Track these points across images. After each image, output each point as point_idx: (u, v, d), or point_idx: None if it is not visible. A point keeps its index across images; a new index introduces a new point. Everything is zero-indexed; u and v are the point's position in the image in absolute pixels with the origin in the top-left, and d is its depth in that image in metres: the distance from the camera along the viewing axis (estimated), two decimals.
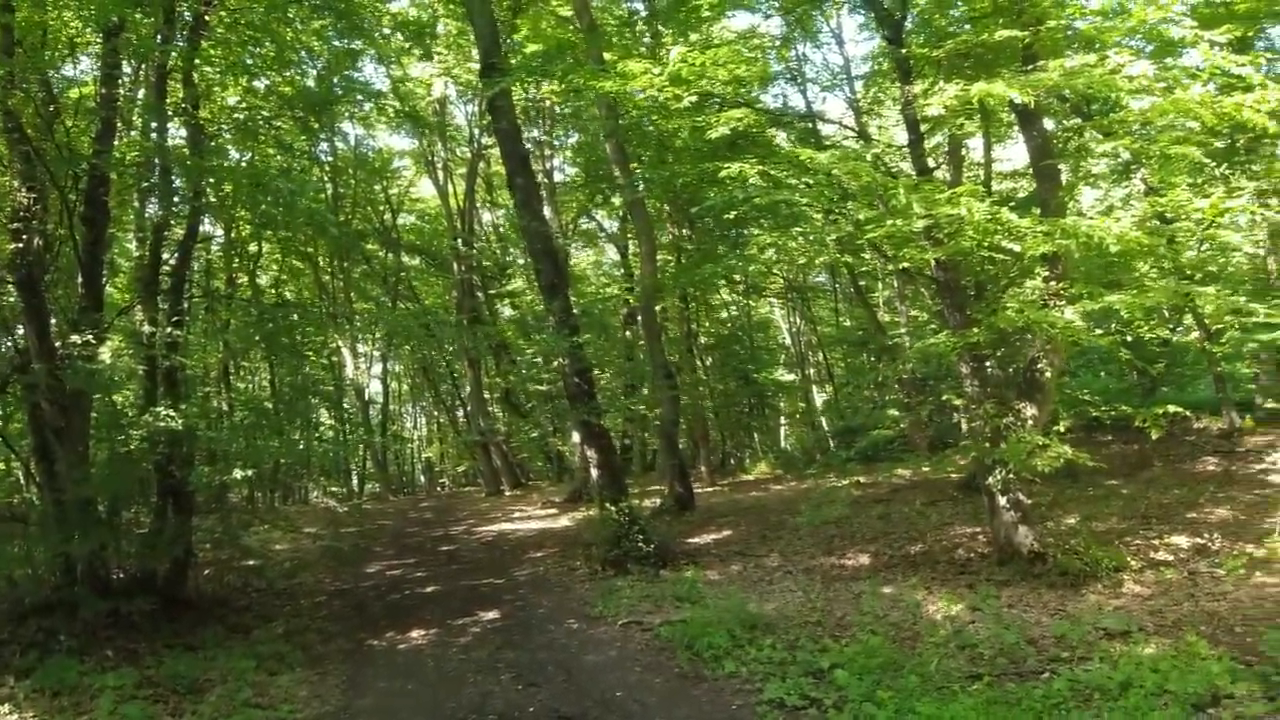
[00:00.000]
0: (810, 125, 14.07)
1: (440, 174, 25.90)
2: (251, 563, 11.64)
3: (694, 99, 10.88)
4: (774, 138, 14.13)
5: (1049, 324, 6.99)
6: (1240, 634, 6.39)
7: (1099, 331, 7.73)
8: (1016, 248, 7.17)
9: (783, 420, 29.73)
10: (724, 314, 27.33)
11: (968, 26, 10.02)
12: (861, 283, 18.46)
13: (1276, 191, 15.23)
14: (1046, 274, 8.02)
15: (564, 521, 16.91)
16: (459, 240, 25.22)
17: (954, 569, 9.50)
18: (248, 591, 11.30)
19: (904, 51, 10.15)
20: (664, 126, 12.70)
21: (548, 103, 22.06)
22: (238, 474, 9.32)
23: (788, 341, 28.48)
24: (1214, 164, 12.89)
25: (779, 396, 28.15)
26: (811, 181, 8.20)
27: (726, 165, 8.58)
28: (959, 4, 10.92)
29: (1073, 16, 8.93)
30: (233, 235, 18.24)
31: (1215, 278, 15.56)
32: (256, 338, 13.17)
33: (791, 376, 27.53)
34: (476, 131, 25.17)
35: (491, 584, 11.65)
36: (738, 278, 21.91)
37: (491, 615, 9.63)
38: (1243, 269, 16.25)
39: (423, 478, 38.73)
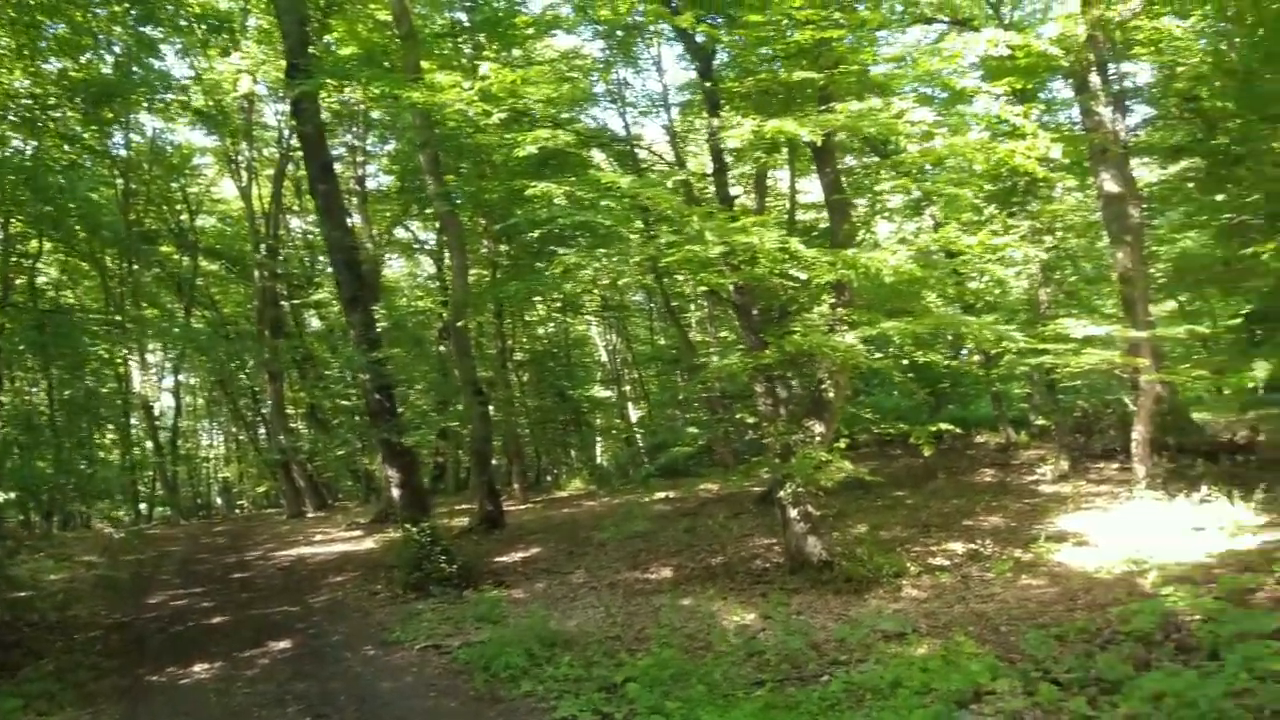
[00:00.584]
0: (628, 148, 14.31)
1: (244, 174, 24.43)
2: (21, 594, 10.60)
3: (504, 116, 10.82)
4: (592, 159, 14.30)
5: (831, 348, 7.40)
6: (1005, 633, 6.90)
7: (879, 355, 8.26)
8: (804, 276, 7.55)
9: (599, 437, 29.96)
10: (541, 330, 27.28)
11: (776, 65, 10.54)
12: (674, 303, 18.91)
13: (1048, 230, 16.92)
14: (833, 301, 8.50)
15: (368, 544, 16.27)
16: (262, 246, 23.87)
17: (751, 579, 9.82)
18: (16, 626, 10.22)
19: (710, 85, 10.53)
20: (478, 141, 12.56)
21: (362, 106, 21.32)
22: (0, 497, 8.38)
23: (604, 359, 28.77)
24: (987, 204, 14.23)
25: (595, 413, 28.36)
26: (614, 204, 8.33)
27: (534, 184, 8.58)
28: (768, 45, 11.48)
29: (865, 63, 9.56)
30: (9, 231, 16.42)
31: (993, 307, 17.11)
32: (22, 346, 11.97)
33: (608, 393, 27.80)
34: (286, 132, 23.95)
35: (285, 612, 11.06)
36: (555, 296, 21.93)
37: (283, 645, 9.18)
38: (1019, 300, 17.91)
39: (220, 500, 36.19)
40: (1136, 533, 9.59)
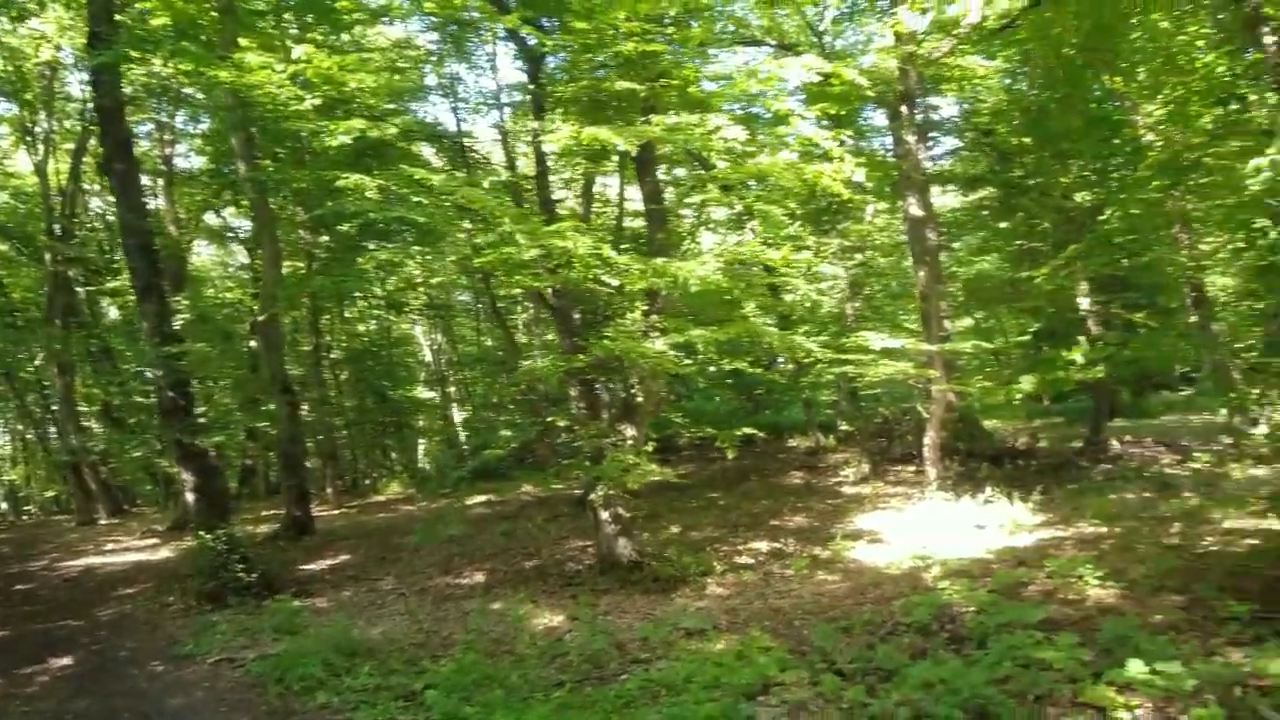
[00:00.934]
0: (459, 144, 14.07)
1: (41, 147, 22.27)
2: None
3: (318, 102, 10.39)
4: (420, 153, 13.95)
5: (640, 354, 7.55)
6: (798, 627, 7.22)
7: (689, 362, 8.50)
8: (617, 282, 7.67)
9: (421, 439, 29.22)
10: (362, 328, 26.30)
11: (604, 74, 10.64)
12: (500, 305, 18.74)
13: (858, 249, 17.95)
14: (646, 308, 8.68)
15: (164, 553, 15.19)
16: (56, 226, 21.85)
17: (563, 581, 9.87)
18: None
19: (535, 87, 10.53)
20: (292, 127, 12.00)
21: (174, 82, 19.88)
22: None
23: (429, 359, 28.08)
24: (800, 222, 14.96)
25: (418, 415, 27.65)
26: (427, 201, 8.17)
27: (346, 175, 8.29)
28: (595, 53, 11.57)
29: (689, 78, 9.79)
30: None
31: (807, 319, 17.98)
32: None
33: (432, 394, 27.17)
34: (90, 105, 22.00)
35: (69, 626, 10.20)
36: (377, 293, 21.26)
37: (65, 661, 8.49)
38: (830, 313, 18.91)
39: (4, 505, 32.83)
40: (926, 531, 10.30)
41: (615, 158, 14.70)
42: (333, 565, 12.50)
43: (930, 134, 17.80)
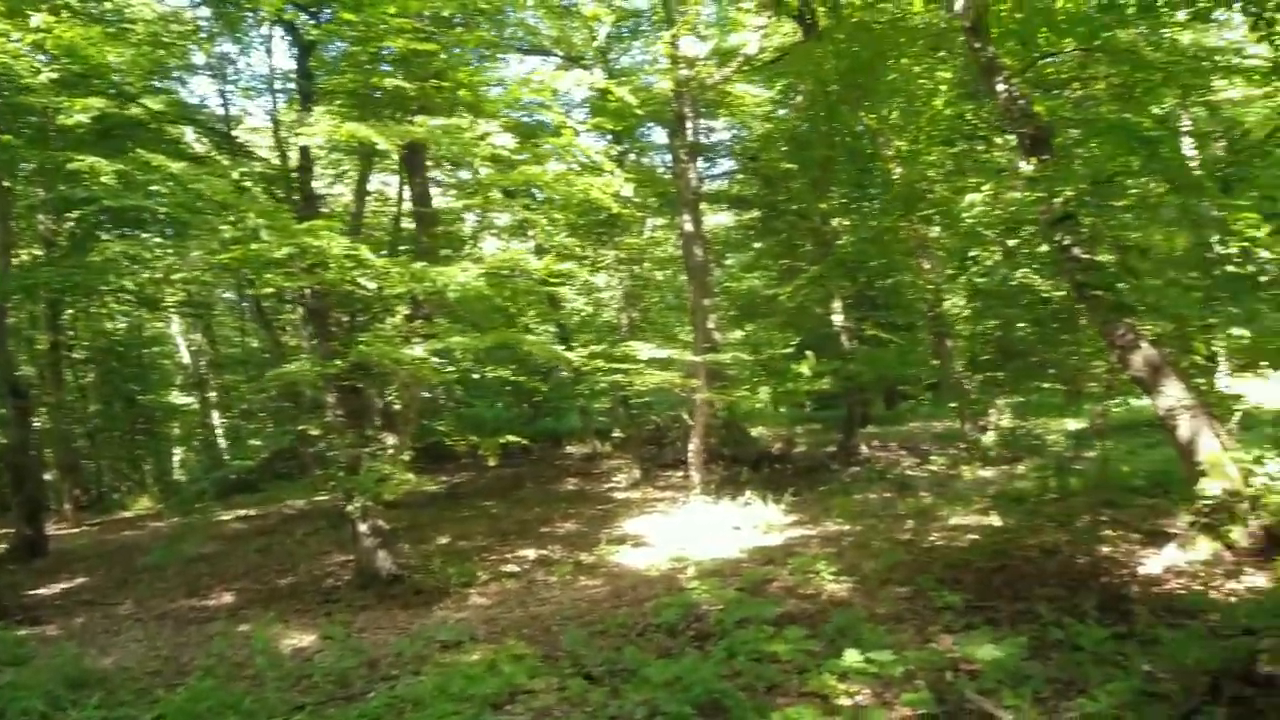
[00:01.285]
0: (226, 130, 13.15)
1: None
2: None
3: (55, 75, 9.42)
4: (181, 135, 12.91)
5: (396, 359, 7.38)
6: (555, 633, 7.23)
7: (451, 369, 8.39)
8: (374, 285, 7.46)
9: (176, 449, 26.92)
10: (110, 325, 23.88)
11: (382, 69, 10.29)
12: (266, 304, 17.63)
13: (636, 261, 18.42)
14: (408, 312, 8.49)
15: None
16: None
17: (320, 598, 9.43)
18: None
19: (303, 77, 10.05)
20: (30, 101, 10.77)
21: None
22: None
23: (187, 360, 25.94)
24: (572, 230, 15.21)
25: (173, 421, 25.48)
26: (165, 190, 7.60)
27: (79, 157, 7.56)
28: (365, 47, 11.16)
29: (462, 81, 9.66)
30: None
31: (587, 329, 18.28)
32: None
33: (189, 399, 25.15)
34: None
35: None
36: (129, 285, 19.40)
37: None
38: (609, 322, 19.29)
39: None
40: (688, 533, 10.71)
41: (396, 156, 14.29)
42: (67, 589, 11.35)
43: (708, 155, 18.62)
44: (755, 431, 18.06)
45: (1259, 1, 4.43)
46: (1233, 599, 6.16)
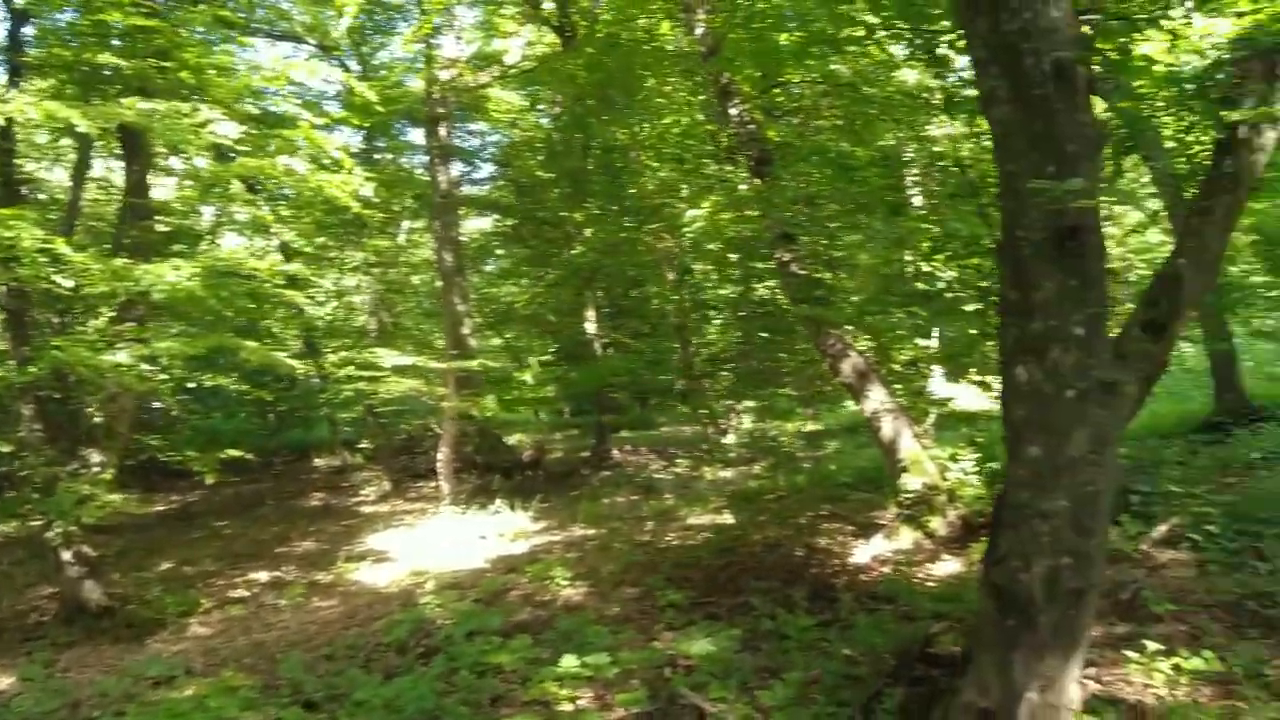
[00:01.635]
0: None
1: None
2: None
3: None
4: None
5: (94, 366, 6.73)
6: (279, 661, 6.84)
7: (163, 376, 7.74)
8: (72, 284, 6.76)
9: None
10: None
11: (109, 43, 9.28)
12: None
13: (388, 264, 17.88)
14: (114, 314, 7.76)
15: None
16: None
17: (20, 636, 8.40)
18: None
19: (9, 48, 8.98)
20: None
21: None
22: None
23: None
24: (319, 229, 14.52)
25: None
26: None
27: None
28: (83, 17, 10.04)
29: (187, 62, 8.93)
30: None
31: (340, 333, 17.51)
32: None
33: None
34: None
35: None
36: None
37: None
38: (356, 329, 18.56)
39: None
40: (433, 546, 10.49)
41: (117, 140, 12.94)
42: None
43: (468, 159, 18.41)
44: (513, 439, 18.05)
45: (926, 40, 4.95)
46: (929, 584, 6.83)
